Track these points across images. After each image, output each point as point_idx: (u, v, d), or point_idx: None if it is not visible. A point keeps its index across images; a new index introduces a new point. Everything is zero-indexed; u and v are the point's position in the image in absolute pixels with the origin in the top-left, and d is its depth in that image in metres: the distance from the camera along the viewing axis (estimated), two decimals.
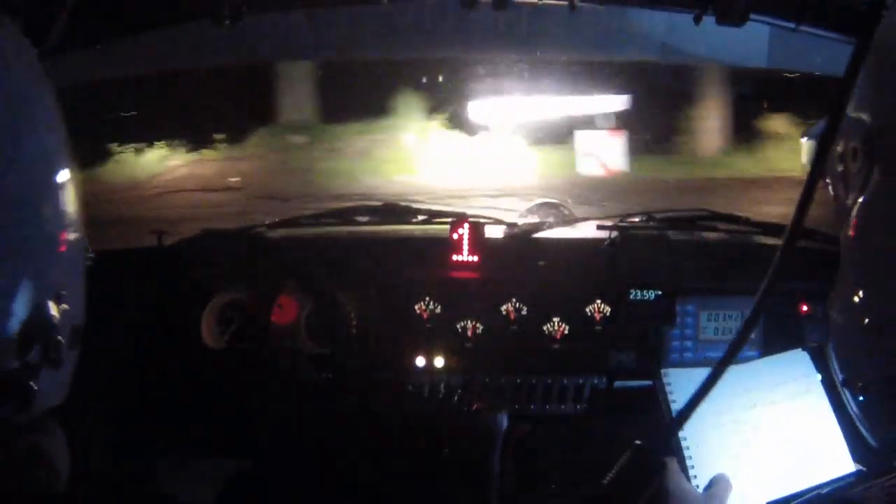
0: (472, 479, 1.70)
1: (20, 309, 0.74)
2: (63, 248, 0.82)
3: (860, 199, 0.79)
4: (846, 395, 0.86)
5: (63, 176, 0.82)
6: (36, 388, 0.75)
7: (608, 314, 1.76)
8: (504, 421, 1.65)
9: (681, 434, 1.35)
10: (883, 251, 0.78)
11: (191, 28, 1.56)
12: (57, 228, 0.81)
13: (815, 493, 1.27)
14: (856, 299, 0.80)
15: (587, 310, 1.76)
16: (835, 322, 0.86)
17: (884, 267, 0.78)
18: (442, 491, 1.68)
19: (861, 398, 0.81)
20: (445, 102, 5.22)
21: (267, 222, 1.97)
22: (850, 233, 0.81)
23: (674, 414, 1.38)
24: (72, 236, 0.84)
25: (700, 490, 1.29)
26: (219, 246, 1.94)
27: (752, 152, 5.88)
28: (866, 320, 0.78)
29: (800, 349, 1.48)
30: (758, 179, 5.36)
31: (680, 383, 1.42)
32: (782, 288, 1.79)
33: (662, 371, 1.44)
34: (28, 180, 0.77)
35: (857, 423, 0.86)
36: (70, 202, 0.84)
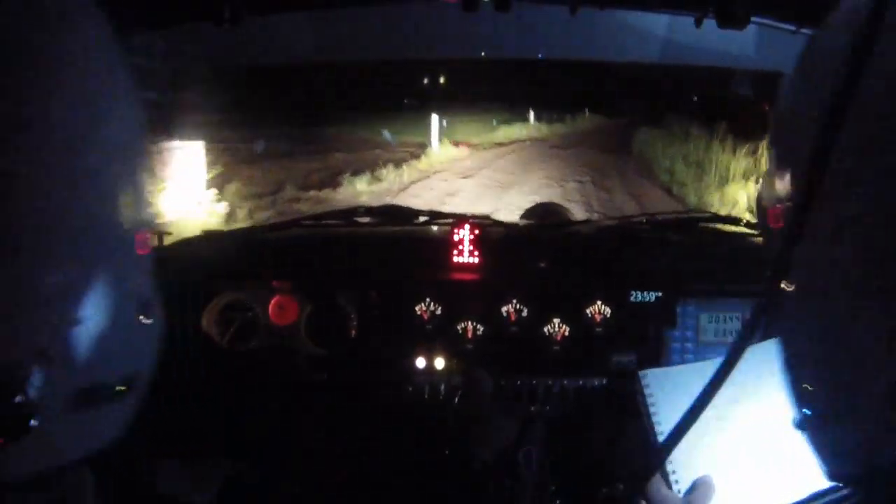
0: (473, 479, 1.70)
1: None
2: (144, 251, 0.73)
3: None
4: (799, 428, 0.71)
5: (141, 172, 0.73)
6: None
7: (608, 315, 1.76)
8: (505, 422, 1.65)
9: (660, 435, 1.32)
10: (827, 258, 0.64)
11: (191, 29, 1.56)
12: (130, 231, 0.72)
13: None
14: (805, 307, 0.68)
15: (587, 311, 1.76)
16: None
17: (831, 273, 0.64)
18: (442, 491, 1.68)
19: (811, 428, 0.68)
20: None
21: (267, 223, 1.98)
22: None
23: (652, 416, 1.34)
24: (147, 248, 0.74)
25: (681, 495, 1.26)
26: (219, 246, 1.94)
27: None
28: (813, 332, 0.66)
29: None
30: None
31: (658, 384, 1.38)
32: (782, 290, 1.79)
33: (640, 373, 1.36)
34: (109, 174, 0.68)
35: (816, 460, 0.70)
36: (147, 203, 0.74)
